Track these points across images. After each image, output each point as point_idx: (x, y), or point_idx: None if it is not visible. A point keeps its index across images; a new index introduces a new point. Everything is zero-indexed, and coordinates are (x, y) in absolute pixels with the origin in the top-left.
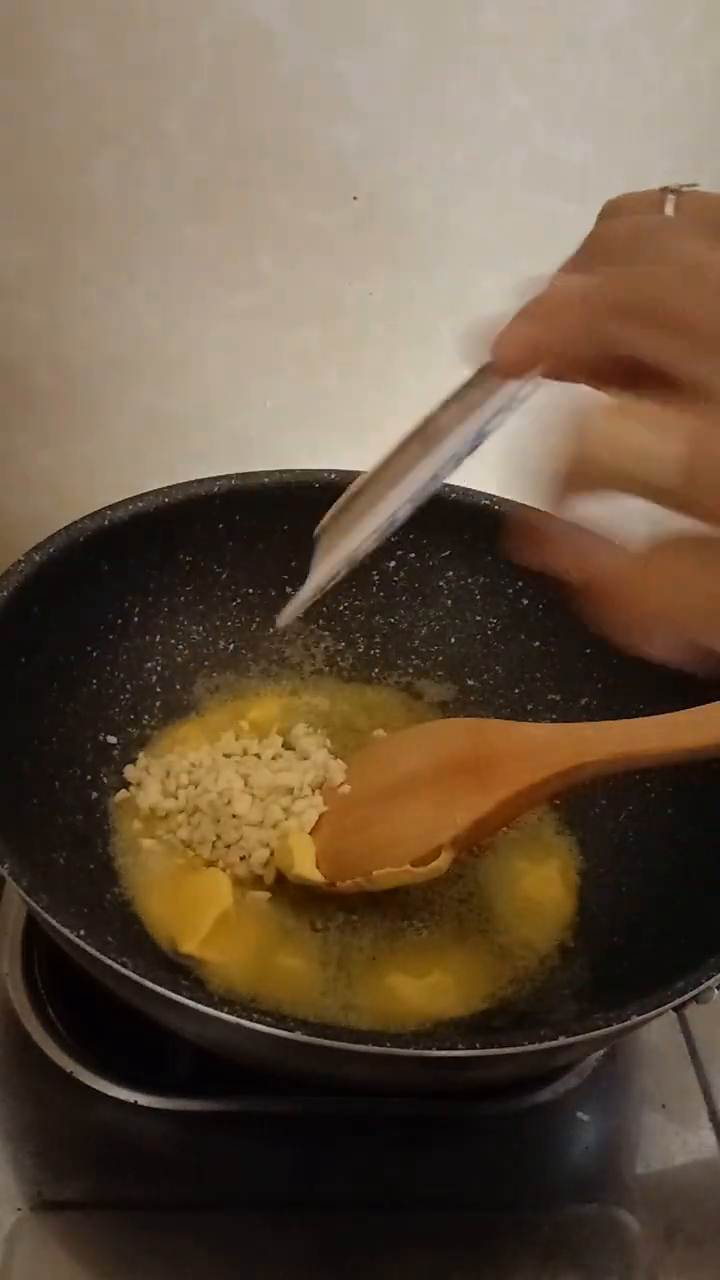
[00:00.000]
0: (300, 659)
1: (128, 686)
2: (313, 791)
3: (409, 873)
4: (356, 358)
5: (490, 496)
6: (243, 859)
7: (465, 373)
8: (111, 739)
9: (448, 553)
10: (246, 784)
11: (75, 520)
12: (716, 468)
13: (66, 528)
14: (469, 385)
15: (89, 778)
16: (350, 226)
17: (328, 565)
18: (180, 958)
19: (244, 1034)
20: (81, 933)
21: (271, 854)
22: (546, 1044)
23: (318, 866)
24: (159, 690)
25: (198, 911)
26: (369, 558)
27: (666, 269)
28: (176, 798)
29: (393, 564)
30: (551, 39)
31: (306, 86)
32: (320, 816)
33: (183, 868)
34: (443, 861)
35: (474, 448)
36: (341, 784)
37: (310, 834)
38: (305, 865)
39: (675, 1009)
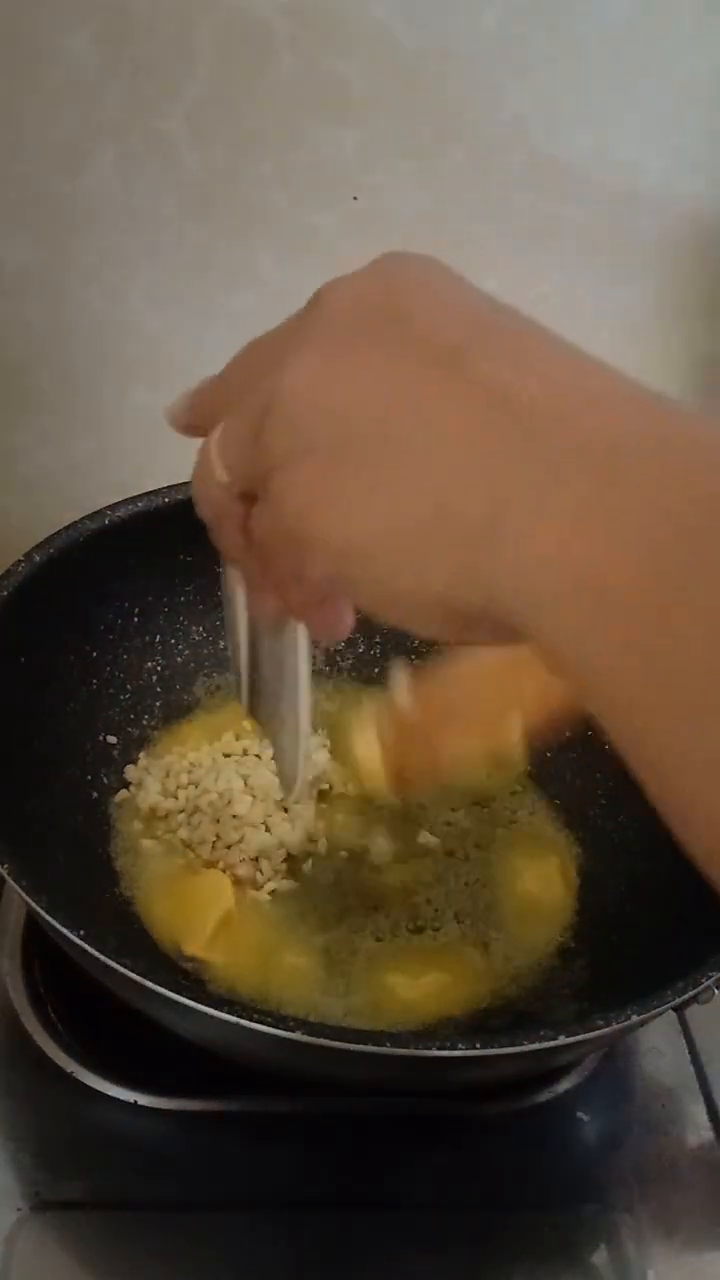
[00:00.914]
0: None
1: (128, 686)
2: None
3: (479, 745)
4: None
5: None
6: (243, 860)
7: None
8: (111, 739)
9: None
10: (246, 784)
11: (75, 520)
12: (235, 454)
13: (66, 528)
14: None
15: (89, 778)
16: (350, 226)
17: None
18: (184, 960)
19: (244, 1034)
20: (81, 933)
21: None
22: (546, 1044)
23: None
24: (159, 690)
25: (200, 914)
26: None
27: None
28: (176, 798)
29: None
30: (551, 39)
31: (306, 86)
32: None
33: (183, 868)
34: (515, 730)
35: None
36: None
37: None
38: (372, 775)
39: (675, 1009)
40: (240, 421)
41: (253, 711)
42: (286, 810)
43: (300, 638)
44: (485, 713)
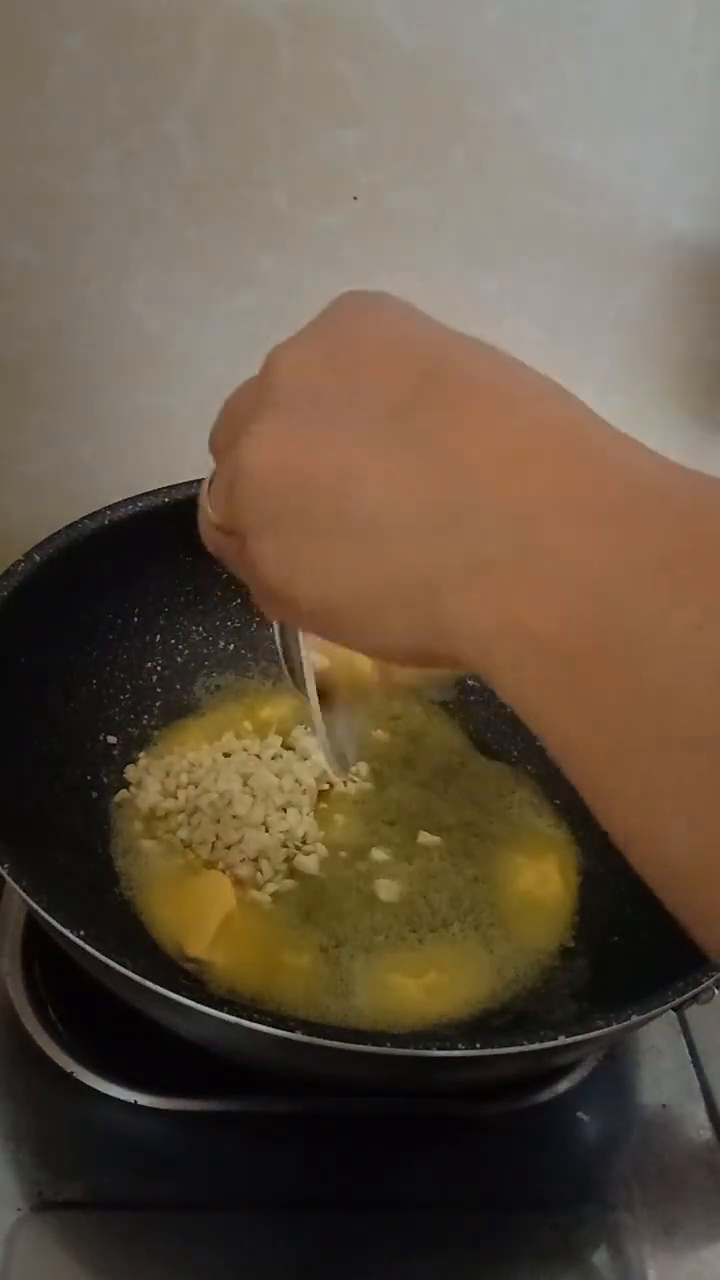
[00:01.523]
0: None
1: (128, 686)
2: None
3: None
4: None
5: None
6: (243, 860)
7: None
8: (111, 739)
9: None
10: (246, 784)
11: (75, 520)
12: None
13: (66, 528)
14: None
15: (89, 778)
16: (350, 226)
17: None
18: (186, 961)
19: (244, 1034)
20: (81, 933)
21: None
22: (546, 1044)
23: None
24: (159, 690)
25: (202, 915)
26: None
27: None
28: (176, 798)
29: None
30: (551, 39)
31: (306, 86)
32: None
33: (182, 869)
34: None
35: None
36: None
37: None
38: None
39: (675, 1009)
40: (219, 482)
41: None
42: (285, 811)
43: (303, 643)
44: None
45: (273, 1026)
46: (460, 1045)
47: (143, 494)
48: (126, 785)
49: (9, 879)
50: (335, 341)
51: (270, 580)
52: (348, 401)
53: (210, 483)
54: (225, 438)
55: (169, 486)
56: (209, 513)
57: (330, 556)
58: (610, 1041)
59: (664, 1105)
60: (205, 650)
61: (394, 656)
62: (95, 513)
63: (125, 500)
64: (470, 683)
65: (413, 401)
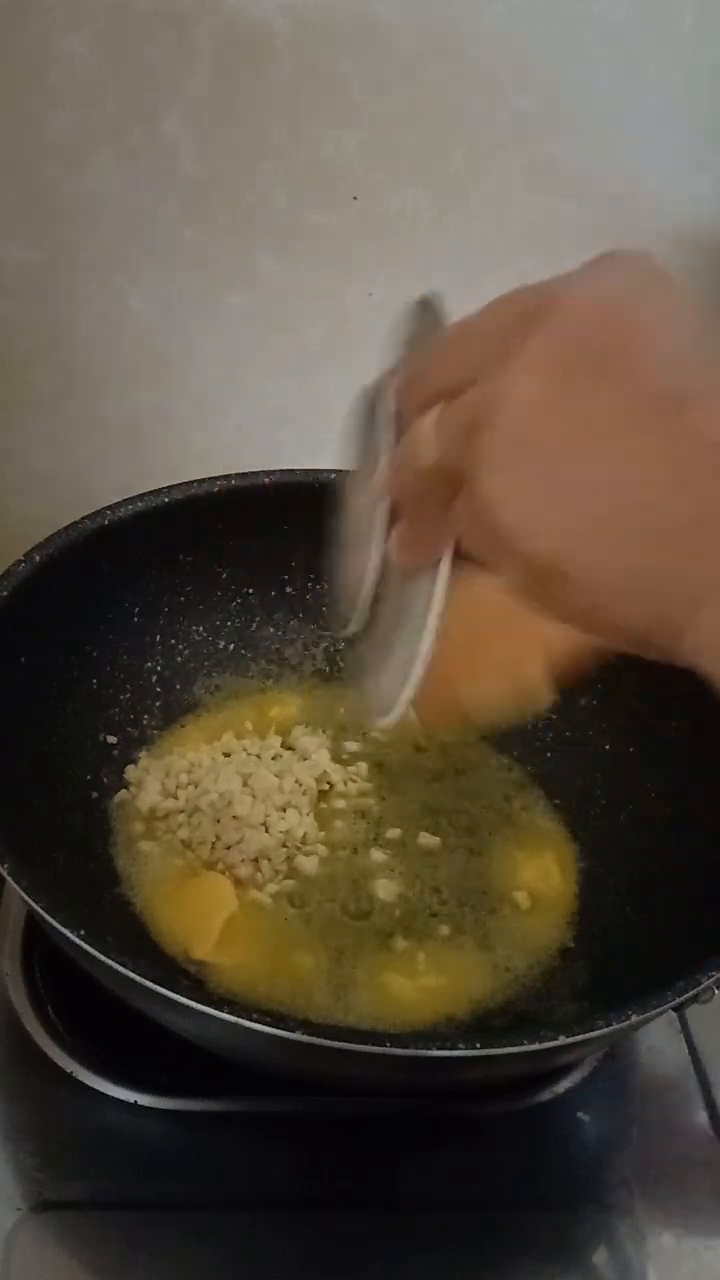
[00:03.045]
0: (300, 659)
1: (128, 686)
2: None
3: (501, 684)
4: (356, 358)
5: None
6: (243, 860)
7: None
8: (111, 739)
9: None
10: (246, 784)
11: (75, 520)
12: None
13: (66, 528)
14: None
15: (89, 778)
16: (350, 226)
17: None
18: (190, 963)
19: (244, 1034)
20: (81, 933)
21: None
22: (546, 1044)
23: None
24: (159, 690)
25: (205, 917)
26: None
27: None
28: (176, 798)
29: None
30: (551, 39)
31: (306, 86)
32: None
33: (182, 869)
34: (537, 670)
35: None
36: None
37: None
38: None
39: (675, 1009)
40: (459, 414)
41: (355, 638)
42: (285, 812)
43: (438, 588)
44: (507, 652)
45: (273, 1026)
46: (460, 1045)
47: (143, 494)
48: (126, 785)
49: (9, 879)
50: (620, 312)
51: (503, 532)
52: (623, 376)
53: (436, 422)
54: (473, 358)
55: (169, 486)
56: (426, 449)
57: (579, 525)
58: (610, 1041)
59: (664, 1105)
60: (205, 650)
61: (591, 630)
62: (95, 513)
63: (125, 500)
64: None
65: (695, 395)
